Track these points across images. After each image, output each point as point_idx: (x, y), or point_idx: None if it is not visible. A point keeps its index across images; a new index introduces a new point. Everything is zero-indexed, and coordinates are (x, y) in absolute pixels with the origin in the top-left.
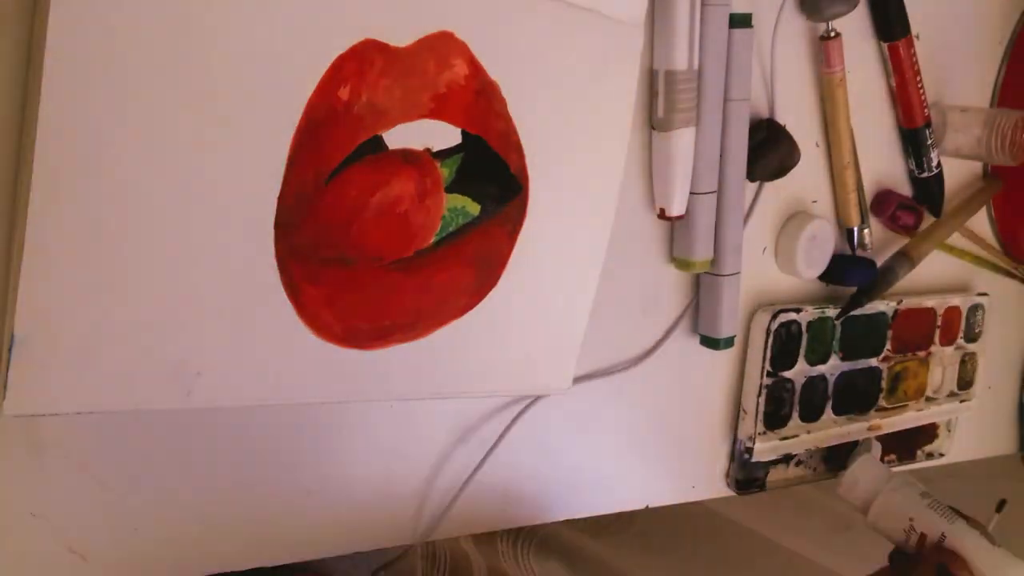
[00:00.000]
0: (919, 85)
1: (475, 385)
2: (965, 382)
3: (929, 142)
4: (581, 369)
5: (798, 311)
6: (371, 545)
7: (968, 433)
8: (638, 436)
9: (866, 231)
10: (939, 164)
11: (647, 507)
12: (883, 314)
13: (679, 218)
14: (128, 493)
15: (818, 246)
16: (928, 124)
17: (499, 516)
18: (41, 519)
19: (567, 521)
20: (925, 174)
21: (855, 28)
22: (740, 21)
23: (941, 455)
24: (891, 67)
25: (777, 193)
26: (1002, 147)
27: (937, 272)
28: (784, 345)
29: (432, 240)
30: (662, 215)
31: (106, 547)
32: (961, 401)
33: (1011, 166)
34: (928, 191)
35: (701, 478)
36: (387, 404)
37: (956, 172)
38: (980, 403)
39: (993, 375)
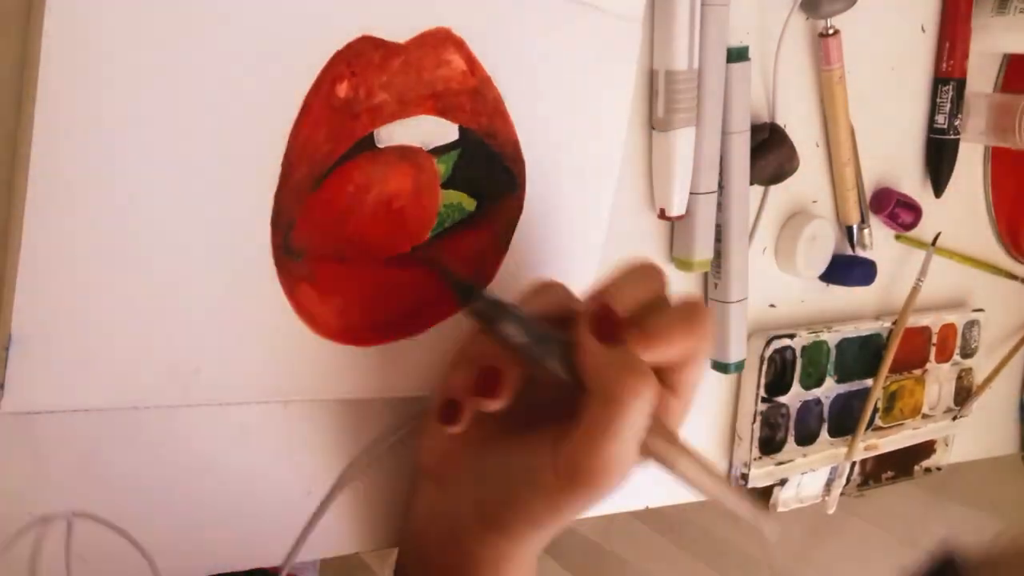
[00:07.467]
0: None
1: None
2: (961, 398)
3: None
4: None
5: (792, 336)
6: (372, 546)
7: (968, 434)
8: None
9: (866, 230)
10: (958, 131)
11: (647, 507)
12: (878, 335)
13: (679, 218)
14: (127, 492)
15: (818, 246)
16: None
17: None
18: (41, 518)
19: None
20: (945, 134)
21: (856, 26)
22: (737, 56)
23: (939, 469)
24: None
25: (777, 193)
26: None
27: (934, 286)
28: (779, 371)
29: (428, 236)
30: (662, 215)
31: (106, 546)
32: (954, 419)
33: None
34: (939, 155)
35: None
36: (386, 403)
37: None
38: (979, 405)
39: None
